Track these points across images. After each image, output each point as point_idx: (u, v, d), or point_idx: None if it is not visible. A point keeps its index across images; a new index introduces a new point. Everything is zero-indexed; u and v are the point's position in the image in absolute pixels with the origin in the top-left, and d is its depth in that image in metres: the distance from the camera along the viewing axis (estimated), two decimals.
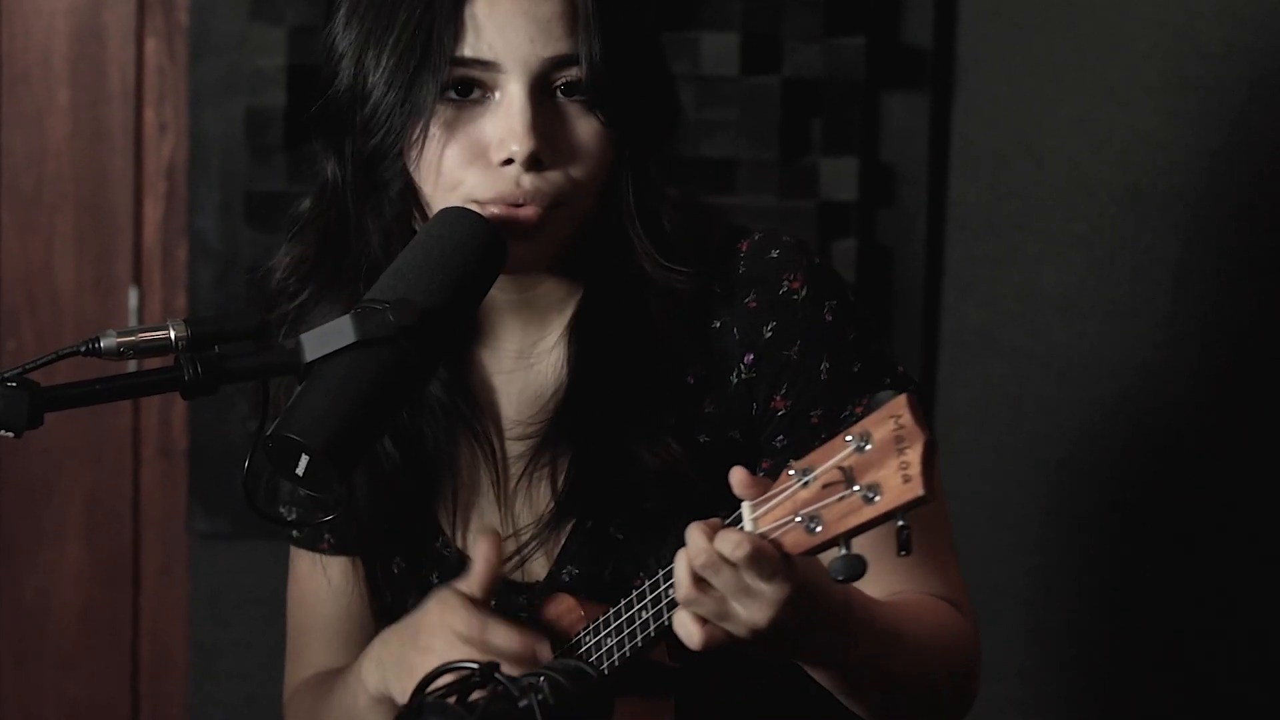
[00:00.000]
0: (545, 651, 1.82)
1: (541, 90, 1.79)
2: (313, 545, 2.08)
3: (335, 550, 2.06)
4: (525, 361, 1.94)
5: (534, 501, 1.94)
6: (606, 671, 1.78)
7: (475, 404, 1.95)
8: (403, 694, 1.84)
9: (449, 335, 1.73)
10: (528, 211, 1.79)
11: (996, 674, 2.69)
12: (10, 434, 1.64)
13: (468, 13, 1.79)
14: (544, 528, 1.92)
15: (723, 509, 1.63)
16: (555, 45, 1.78)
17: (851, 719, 1.84)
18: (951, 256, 3.05)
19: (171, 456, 3.17)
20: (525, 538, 1.94)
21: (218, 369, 1.66)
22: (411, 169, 1.82)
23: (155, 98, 3.11)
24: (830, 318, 1.88)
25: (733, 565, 1.57)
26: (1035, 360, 3.01)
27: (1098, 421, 2.99)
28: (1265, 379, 2.93)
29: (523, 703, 1.61)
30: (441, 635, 1.83)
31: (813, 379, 1.87)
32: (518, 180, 1.78)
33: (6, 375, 1.64)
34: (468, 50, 1.78)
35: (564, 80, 1.79)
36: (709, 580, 1.59)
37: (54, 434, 3.13)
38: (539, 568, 1.95)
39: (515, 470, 1.94)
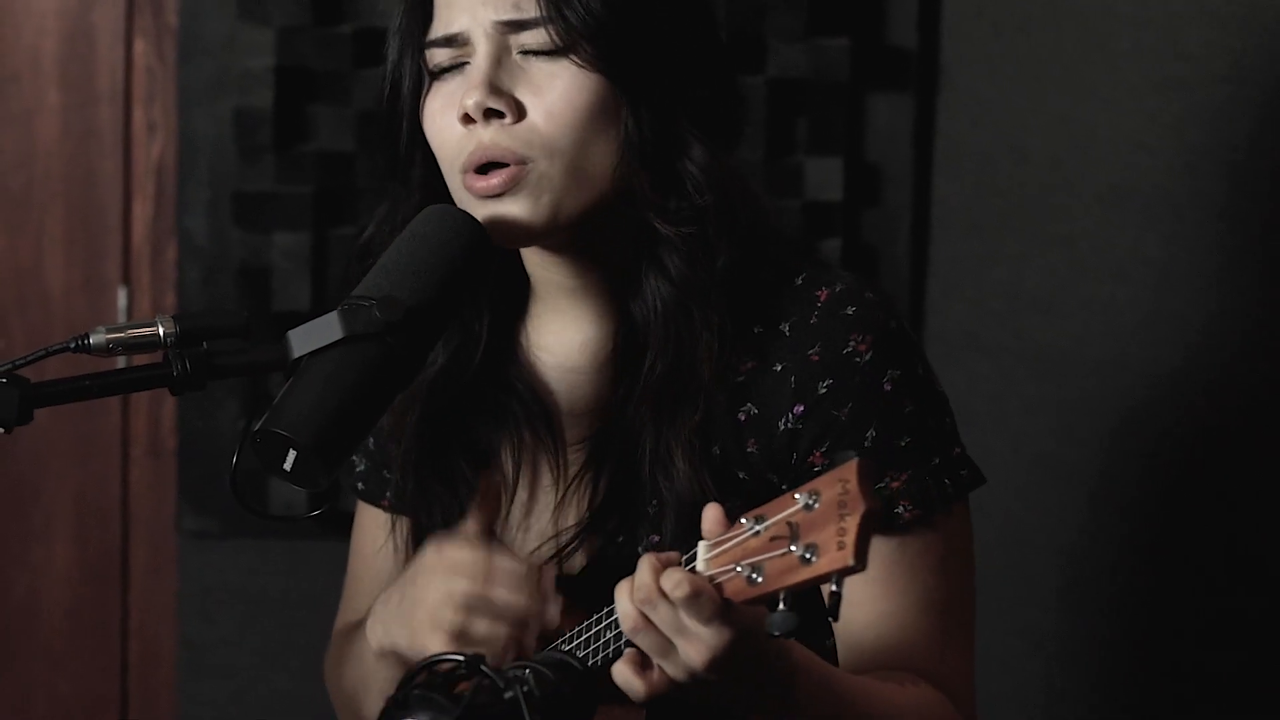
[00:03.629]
0: (549, 578, 1.83)
1: (503, 53, 1.83)
2: (374, 500, 2.11)
3: (393, 509, 2.08)
4: (588, 353, 1.96)
5: (580, 508, 1.95)
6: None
7: (545, 405, 1.97)
8: (407, 640, 1.83)
9: (435, 331, 1.74)
10: (492, 181, 1.82)
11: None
12: (1, 430, 1.65)
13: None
14: (578, 534, 1.94)
15: None
16: (506, 10, 1.82)
17: None
18: (936, 256, 3.06)
19: (160, 456, 3.18)
20: (565, 539, 1.95)
21: (206, 365, 1.68)
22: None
23: (144, 98, 3.12)
24: (889, 387, 1.87)
25: (671, 604, 1.59)
26: (1019, 359, 3.02)
27: (1081, 420, 3.00)
28: (1248, 377, 2.94)
29: (508, 694, 1.62)
30: (438, 576, 1.83)
31: (855, 443, 1.86)
32: (479, 135, 1.83)
33: None
34: (440, 30, 1.86)
35: (521, 44, 1.83)
36: (648, 615, 1.61)
37: (43, 433, 3.14)
38: (578, 560, 1.96)
39: (570, 474, 1.96)
